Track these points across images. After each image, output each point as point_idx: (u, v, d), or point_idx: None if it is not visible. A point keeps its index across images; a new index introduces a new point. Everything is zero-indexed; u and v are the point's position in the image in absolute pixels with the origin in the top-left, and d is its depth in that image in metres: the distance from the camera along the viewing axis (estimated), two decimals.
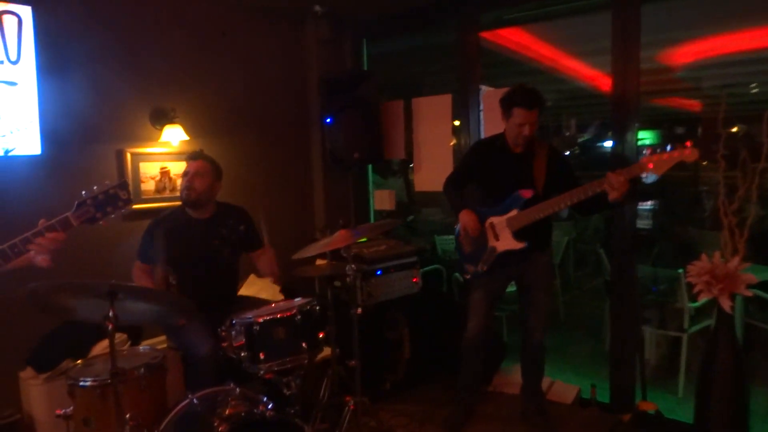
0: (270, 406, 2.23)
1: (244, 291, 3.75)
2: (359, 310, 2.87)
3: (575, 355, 4.43)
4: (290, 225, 4.10)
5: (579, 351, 4.52)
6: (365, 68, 4.53)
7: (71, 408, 2.34)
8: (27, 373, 2.93)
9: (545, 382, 3.57)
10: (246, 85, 3.97)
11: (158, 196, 3.55)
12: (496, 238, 2.96)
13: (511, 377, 3.73)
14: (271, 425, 2.08)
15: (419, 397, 3.60)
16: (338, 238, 2.66)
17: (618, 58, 3.21)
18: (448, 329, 3.74)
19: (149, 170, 3.51)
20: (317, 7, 4.07)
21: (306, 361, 2.41)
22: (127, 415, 2.21)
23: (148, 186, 3.51)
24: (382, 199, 4.52)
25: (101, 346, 3.00)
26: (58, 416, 2.36)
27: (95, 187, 1.82)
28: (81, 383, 2.30)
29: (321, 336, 2.53)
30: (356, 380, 2.88)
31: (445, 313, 3.93)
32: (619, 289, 3.37)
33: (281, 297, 3.83)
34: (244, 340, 2.37)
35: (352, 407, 2.83)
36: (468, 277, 3.11)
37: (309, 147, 4.40)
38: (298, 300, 2.63)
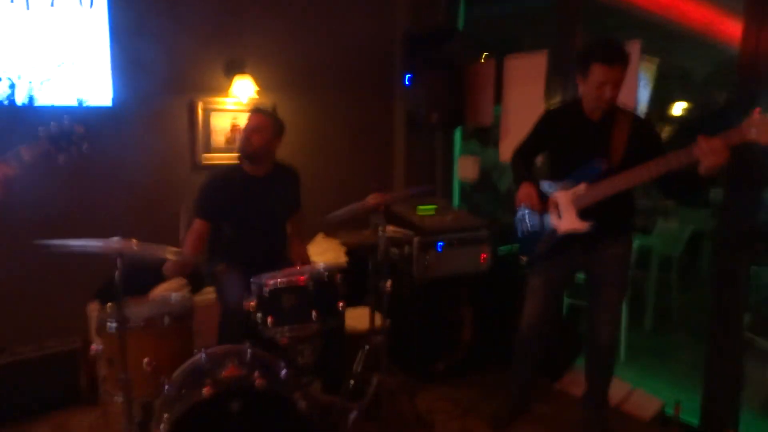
0: (281, 373, 2.13)
1: (310, 250, 3.70)
2: (389, 283, 2.62)
3: (674, 361, 3.80)
4: (367, 189, 3.94)
5: (679, 357, 3.87)
6: (460, 26, 4.15)
7: (101, 347, 2.45)
8: (93, 307, 3.16)
9: (623, 389, 3.11)
10: (326, 38, 3.82)
11: (228, 148, 3.57)
12: (559, 217, 2.54)
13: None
14: (257, 395, 1.96)
15: (473, 383, 3.31)
16: (368, 202, 2.45)
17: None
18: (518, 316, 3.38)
19: (220, 123, 3.54)
20: None
21: (315, 331, 2.26)
22: (145, 360, 2.26)
23: (219, 139, 3.55)
24: (465, 167, 4.17)
25: (161, 288, 3.13)
26: (92, 353, 2.47)
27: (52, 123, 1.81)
28: (108, 325, 2.37)
29: (340, 305, 2.36)
30: (382, 356, 2.67)
31: (516, 298, 3.54)
32: (723, 293, 2.75)
33: (344, 259, 3.75)
34: (255, 301, 2.29)
35: (375, 385, 2.63)
36: (525, 260, 2.73)
37: (392, 106, 4.16)
38: (321, 266, 2.47)
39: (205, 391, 1.94)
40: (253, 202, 2.83)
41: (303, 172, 3.27)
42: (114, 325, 2.32)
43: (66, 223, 2.99)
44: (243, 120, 3.55)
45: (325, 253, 3.79)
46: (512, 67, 3.75)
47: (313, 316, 2.24)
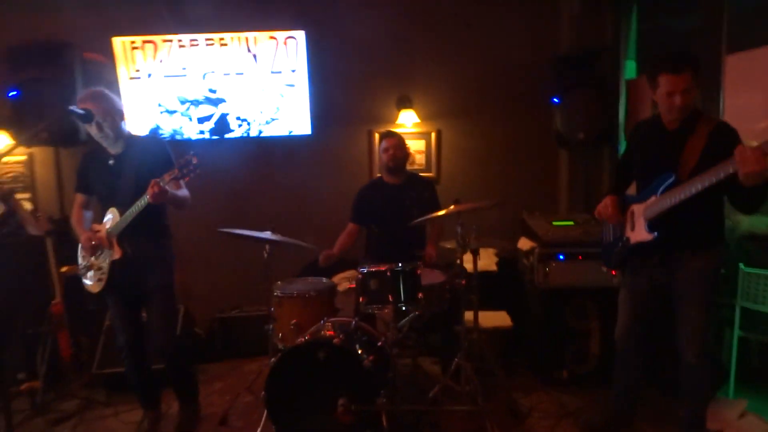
0: (361, 339, 2.80)
1: (467, 258, 4.21)
2: (463, 282, 3.01)
3: None
4: (526, 202, 4.25)
5: None
6: (635, 41, 4.13)
7: (273, 309, 3.44)
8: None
9: (737, 407, 2.86)
10: (484, 68, 4.31)
11: None
12: (632, 227, 2.60)
13: (724, 413, 3.04)
14: (336, 349, 2.65)
15: (593, 395, 3.35)
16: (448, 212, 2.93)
17: None
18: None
19: None
20: None
21: (387, 311, 2.84)
22: (293, 321, 3.15)
23: None
24: None
25: (341, 275, 3.99)
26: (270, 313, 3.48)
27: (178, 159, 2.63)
28: (276, 293, 3.34)
29: (420, 296, 2.89)
30: (484, 350, 3.09)
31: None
32: None
33: (494, 267, 4.14)
34: (355, 284, 2.99)
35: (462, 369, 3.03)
36: (605, 269, 2.81)
37: (548, 126, 4.37)
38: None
39: (300, 340, 2.73)
40: (391, 204, 3.55)
41: (464, 187, 3.90)
42: (277, 293, 3.28)
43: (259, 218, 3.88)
44: (411, 143, 4.34)
45: (478, 260, 4.23)
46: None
47: (389, 299, 2.83)
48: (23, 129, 3.77)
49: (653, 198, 2.49)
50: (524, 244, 3.81)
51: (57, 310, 3.50)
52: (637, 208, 2.58)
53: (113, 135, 2.77)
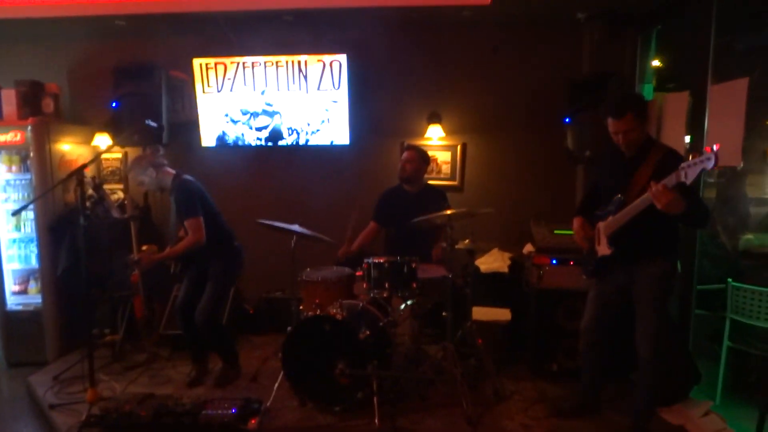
0: (363, 316, 3.39)
1: (483, 260, 4.70)
2: (459, 280, 3.51)
3: None
4: (541, 210, 4.65)
5: None
6: (655, 61, 4.43)
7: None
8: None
9: (702, 407, 3.23)
10: (508, 89, 4.76)
11: (426, 176, 4.87)
12: (598, 242, 3.01)
13: (689, 411, 3.34)
14: (337, 323, 3.26)
15: (574, 388, 3.72)
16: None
17: None
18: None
19: None
20: (579, 14, 4.37)
21: (385, 295, 3.40)
22: (317, 300, 3.78)
23: None
24: None
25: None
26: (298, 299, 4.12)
27: None
28: (303, 278, 3.98)
29: (414, 286, 3.44)
30: (474, 340, 3.63)
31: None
32: None
33: (506, 269, 4.57)
34: (362, 272, 3.58)
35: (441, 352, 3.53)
36: (584, 278, 3.22)
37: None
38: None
39: (310, 314, 3.37)
40: (405, 210, 4.09)
41: (486, 195, 4.49)
42: (304, 278, 3.92)
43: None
44: (440, 155, 4.87)
45: (493, 262, 4.70)
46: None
47: (386, 286, 3.40)
48: (119, 133, 4.71)
49: (610, 218, 2.90)
50: (528, 249, 4.24)
51: (135, 279, 4.37)
52: (601, 226, 2.99)
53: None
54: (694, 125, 3.61)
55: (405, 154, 4.20)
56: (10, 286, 4.60)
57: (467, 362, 3.73)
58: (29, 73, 4.74)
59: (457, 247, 3.52)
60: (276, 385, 3.47)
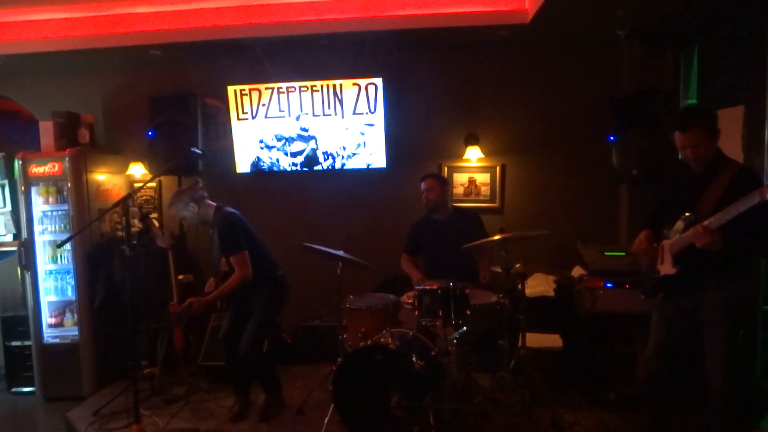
0: (414, 345, 3.27)
1: (528, 284, 4.53)
2: (507, 301, 3.38)
3: None
4: (584, 233, 4.53)
5: None
6: (696, 81, 4.32)
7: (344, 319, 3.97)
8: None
9: None
10: (547, 108, 4.67)
11: (465, 198, 4.81)
12: (662, 261, 2.87)
13: None
14: (390, 352, 3.14)
15: (637, 417, 3.55)
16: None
17: None
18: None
19: (459, 179, 4.81)
20: (619, 32, 4.30)
21: (439, 323, 3.28)
22: (363, 329, 3.67)
23: (458, 191, 4.82)
24: None
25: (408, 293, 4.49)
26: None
27: None
28: (347, 305, 3.87)
29: (467, 313, 3.31)
30: (528, 368, 3.48)
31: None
32: None
33: (552, 293, 4.42)
34: (413, 300, 3.46)
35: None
36: (643, 298, 3.07)
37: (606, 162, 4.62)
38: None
39: (362, 344, 3.24)
40: (437, 238, 4.02)
41: (527, 217, 4.44)
42: (349, 305, 3.81)
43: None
44: (478, 177, 4.77)
45: (537, 286, 4.55)
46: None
47: (440, 314, 3.27)
48: (155, 162, 4.68)
49: (677, 236, 2.77)
50: (577, 271, 4.10)
51: (174, 310, 4.27)
52: (667, 244, 2.86)
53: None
54: (752, 140, 3.48)
55: (423, 185, 4.12)
56: (47, 318, 4.53)
57: (521, 391, 3.57)
58: (65, 104, 4.75)
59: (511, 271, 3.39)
60: (326, 419, 3.34)
